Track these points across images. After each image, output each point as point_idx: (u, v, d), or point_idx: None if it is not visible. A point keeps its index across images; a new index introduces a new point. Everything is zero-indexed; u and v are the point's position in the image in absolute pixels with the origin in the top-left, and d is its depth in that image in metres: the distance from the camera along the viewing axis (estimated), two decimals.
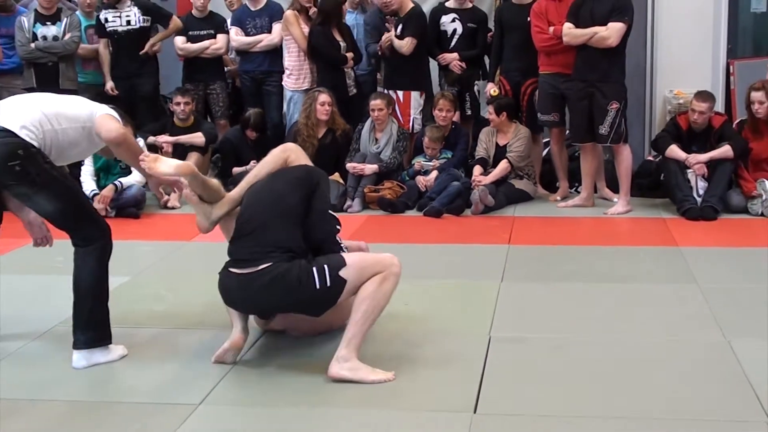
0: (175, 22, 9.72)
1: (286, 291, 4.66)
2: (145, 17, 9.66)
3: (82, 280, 4.94)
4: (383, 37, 9.43)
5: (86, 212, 5.06)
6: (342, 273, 4.67)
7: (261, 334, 5.29)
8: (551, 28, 8.47)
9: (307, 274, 4.64)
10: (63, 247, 7.33)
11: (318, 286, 4.64)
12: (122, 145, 4.95)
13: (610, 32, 8.10)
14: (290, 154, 5.18)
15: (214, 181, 5.11)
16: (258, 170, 5.12)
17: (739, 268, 6.68)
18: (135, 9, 9.64)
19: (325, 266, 4.67)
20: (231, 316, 4.93)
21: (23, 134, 4.74)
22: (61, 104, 5.04)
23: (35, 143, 4.78)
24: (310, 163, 5.27)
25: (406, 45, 9.19)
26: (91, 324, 4.94)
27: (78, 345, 4.92)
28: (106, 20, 9.64)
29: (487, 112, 8.99)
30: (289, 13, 9.62)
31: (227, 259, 4.87)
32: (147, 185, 9.04)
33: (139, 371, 4.84)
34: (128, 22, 9.61)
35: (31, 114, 4.84)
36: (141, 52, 9.57)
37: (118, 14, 9.62)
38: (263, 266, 4.65)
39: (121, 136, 4.92)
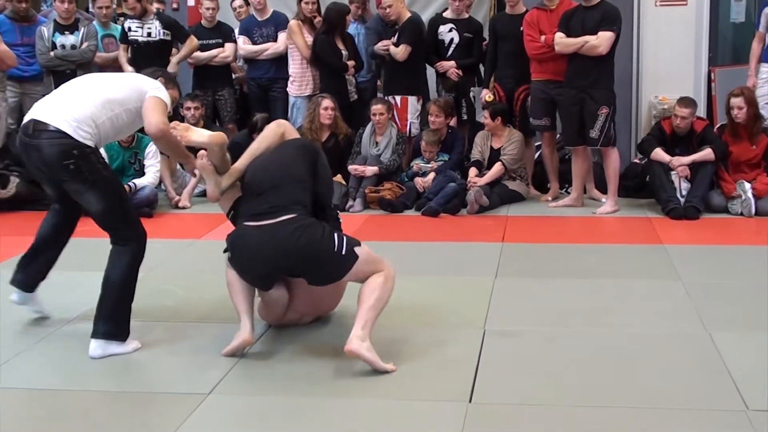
0: (193, 41, 9.72)
1: (308, 241, 4.67)
2: (165, 31, 9.66)
3: (112, 277, 4.99)
4: (379, 44, 9.44)
5: (128, 215, 5.11)
6: (356, 250, 4.75)
7: (267, 327, 5.29)
8: (543, 37, 8.47)
9: (329, 234, 4.72)
10: (81, 245, 7.36)
11: (336, 249, 4.68)
12: (161, 139, 4.99)
13: (600, 41, 8.11)
14: (285, 128, 5.24)
15: (228, 156, 5.13)
16: (258, 144, 5.15)
17: (720, 265, 6.69)
18: (157, 23, 9.65)
19: (344, 237, 4.76)
20: (238, 313, 4.90)
21: (78, 135, 4.80)
22: (112, 89, 5.06)
23: (90, 143, 4.85)
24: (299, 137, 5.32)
25: (400, 52, 9.20)
26: (112, 318, 4.97)
27: (97, 335, 4.94)
28: (129, 29, 9.66)
29: (483, 116, 8.99)
30: (293, 23, 9.64)
31: (240, 218, 4.90)
32: (159, 186, 9.08)
33: (151, 362, 4.86)
34: (149, 34, 9.62)
35: (83, 111, 4.88)
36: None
37: (141, 25, 9.63)
38: (288, 216, 4.71)
39: (160, 132, 4.92)
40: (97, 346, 4.94)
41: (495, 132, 8.94)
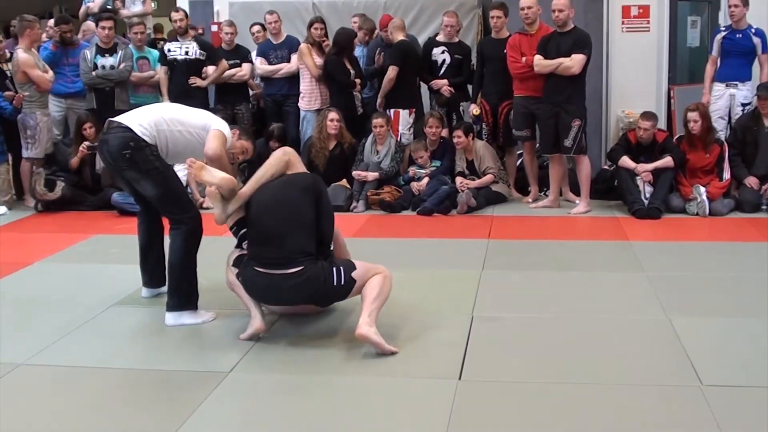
0: (223, 63, 9.72)
1: (313, 289, 4.71)
2: (201, 52, 9.66)
3: (171, 257, 5.20)
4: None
5: (179, 200, 5.26)
6: (353, 274, 4.74)
7: (279, 315, 5.28)
8: (524, 59, 8.45)
9: (329, 273, 4.70)
10: (117, 241, 7.37)
11: (335, 284, 4.70)
12: (214, 161, 5.07)
13: (573, 62, 8.10)
14: (290, 156, 5.12)
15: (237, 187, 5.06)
16: (264, 171, 5.03)
17: (679, 259, 6.67)
18: (194, 44, 9.66)
19: (341, 268, 4.74)
20: (248, 306, 4.91)
21: (138, 130, 5.05)
22: (183, 113, 5.34)
23: (147, 139, 5.04)
24: (303, 167, 5.20)
25: (388, 73, 9.23)
26: (178, 292, 5.17)
27: (168, 307, 5.17)
28: (169, 50, 9.67)
29: (455, 135, 8.91)
30: (303, 46, 9.63)
31: (250, 259, 4.87)
32: (186, 189, 9.06)
33: (177, 345, 4.84)
34: (186, 53, 9.62)
35: (150, 116, 5.17)
36: (192, 83, 9.54)
37: (179, 45, 9.64)
38: (295, 269, 4.66)
39: (215, 155, 5.08)
40: (170, 317, 5.15)
41: (466, 147, 8.92)
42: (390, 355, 4.56)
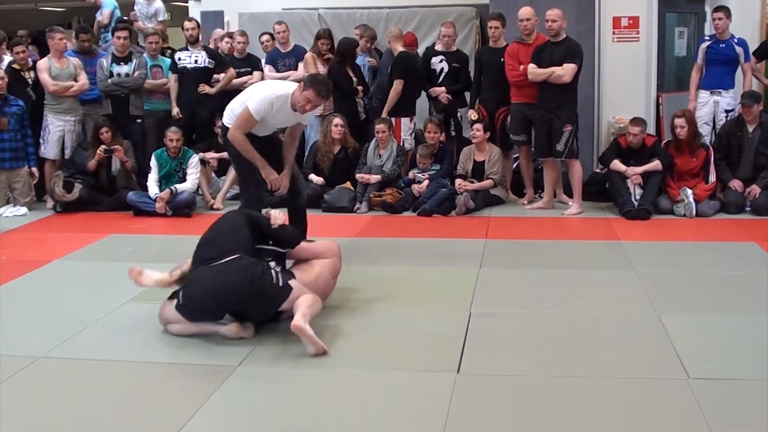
0: (231, 71, 9.70)
1: (252, 277, 4.64)
2: (210, 60, 9.65)
3: None
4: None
5: (252, 186, 6.02)
6: (291, 282, 4.76)
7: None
8: (521, 67, 8.43)
9: (267, 270, 4.74)
10: (132, 240, 7.35)
11: (273, 281, 4.68)
12: (233, 141, 5.85)
13: (565, 71, 8.08)
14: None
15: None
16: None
17: (667, 257, 6.65)
18: (204, 53, 9.64)
19: (279, 272, 4.78)
20: (211, 332, 4.79)
21: (225, 120, 6.08)
22: (245, 91, 6.12)
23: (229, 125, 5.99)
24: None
25: (395, 87, 9.21)
26: None
27: None
28: (179, 59, 9.65)
29: (475, 129, 8.92)
30: (308, 55, 9.61)
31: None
32: (198, 191, 9.06)
33: (187, 339, 4.80)
34: (196, 61, 9.59)
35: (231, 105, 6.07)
36: (201, 91, 9.53)
37: (189, 54, 9.62)
38: (234, 257, 4.69)
39: (230, 137, 5.93)
40: None
41: (480, 145, 8.90)
42: (389, 349, 4.56)
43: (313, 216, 6.80)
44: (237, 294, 4.65)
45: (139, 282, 4.95)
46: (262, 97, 5.82)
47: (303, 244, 5.30)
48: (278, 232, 5.11)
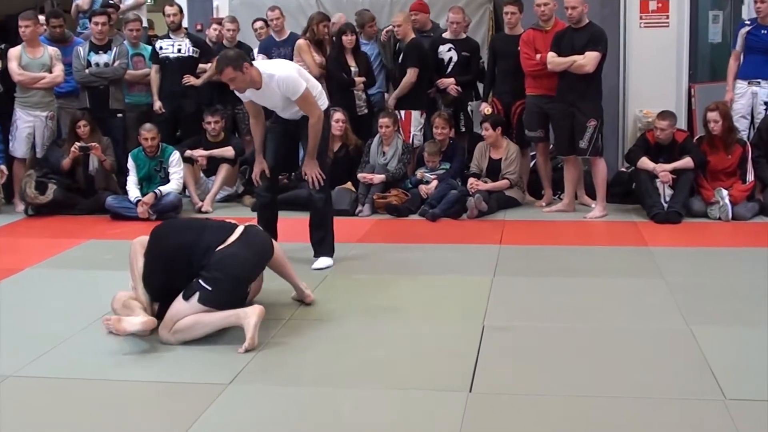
0: None
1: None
2: (195, 49, 9.68)
3: None
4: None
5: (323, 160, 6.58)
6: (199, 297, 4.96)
7: (285, 322, 5.28)
8: (538, 56, 8.44)
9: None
10: (112, 246, 7.36)
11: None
12: None
13: (587, 60, 8.10)
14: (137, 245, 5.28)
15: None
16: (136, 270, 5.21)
17: (700, 265, 6.65)
18: (187, 40, 9.70)
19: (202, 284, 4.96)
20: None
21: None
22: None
23: None
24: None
25: (410, 76, 9.23)
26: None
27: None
28: (161, 48, 9.68)
29: (483, 128, 8.93)
30: (301, 42, 9.54)
31: None
32: (184, 192, 9.07)
33: (175, 355, 4.82)
34: (179, 50, 9.63)
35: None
36: (185, 82, 9.55)
37: (171, 43, 9.66)
38: (240, 228, 5.27)
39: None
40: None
41: (494, 143, 8.91)
42: (395, 367, 4.56)
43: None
44: (270, 249, 5.37)
45: (121, 330, 4.87)
46: None
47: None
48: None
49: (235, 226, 5.25)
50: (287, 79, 6.26)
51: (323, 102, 6.57)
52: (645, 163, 8.40)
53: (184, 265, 5.00)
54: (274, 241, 5.59)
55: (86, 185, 9.06)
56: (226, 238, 5.09)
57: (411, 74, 9.24)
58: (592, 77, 8.20)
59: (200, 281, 4.92)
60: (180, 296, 4.96)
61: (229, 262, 5.00)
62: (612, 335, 5.04)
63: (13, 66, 8.99)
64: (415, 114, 9.41)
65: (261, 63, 6.50)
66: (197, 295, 4.91)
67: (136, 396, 4.35)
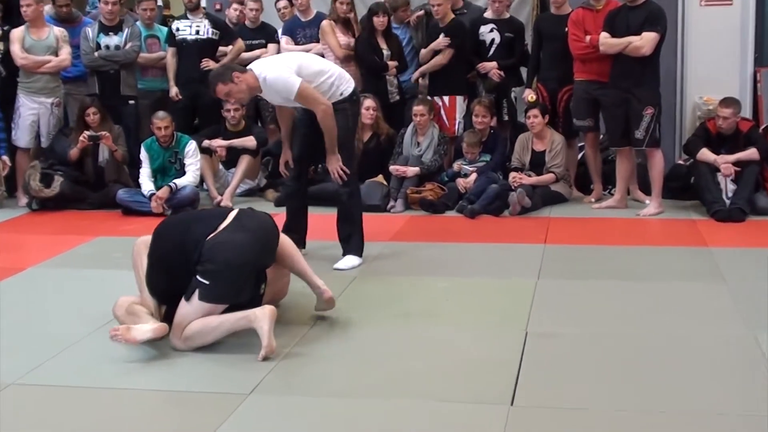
0: (239, 43, 9.73)
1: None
2: (214, 30, 9.69)
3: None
4: (429, 47, 9.43)
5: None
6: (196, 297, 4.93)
7: (310, 327, 5.28)
8: (588, 37, 8.40)
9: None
10: (122, 243, 7.39)
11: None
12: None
13: (644, 41, 8.05)
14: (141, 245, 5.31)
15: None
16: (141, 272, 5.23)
17: (765, 268, 6.59)
18: (206, 21, 9.70)
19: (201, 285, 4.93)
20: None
21: None
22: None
23: None
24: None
25: (446, 55, 9.24)
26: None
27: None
28: (178, 29, 9.70)
29: (531, 115, 8.90)
30: (325, 23, 9.57)
31: None
32: (201, 185, 9.10)
33: (191, 363, 4.84)
34: (197, 32, 9.64)
35: None
36: (204, 67, 9.51)
37: (189, 24, 9.67)
38: (234, 211, 5.32)
39: None
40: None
41: (539, 133, 8.88)
42: (430, 376, 4.55)
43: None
44: (274, 230, 5.31)
45: (132, 340, 4.86)
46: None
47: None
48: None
49: (229, 210, 5.31)
50: (277, 81, 6.26)
51: (345, 87, 6.56)
52: (705, 154, 8.35)
53: (182, 263, 4.99)
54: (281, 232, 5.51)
55: (95, 177, 9.12)
56: (217, 226, 5.05)
57: (447, 53, 9.22)
58: (649, 60, 8.16)
59: (197, 277, 4.92)
60: (183, 298, 4.97)
61: (219, 249, 4.93)
62: (667, 343, 5.02)
63: (15, 49, 9.04)
64: (459, 99, 9.39)
65: (255, 64, 6.46)
66: (197, 293, 4.90)
67: (147, 407, 4.37)
